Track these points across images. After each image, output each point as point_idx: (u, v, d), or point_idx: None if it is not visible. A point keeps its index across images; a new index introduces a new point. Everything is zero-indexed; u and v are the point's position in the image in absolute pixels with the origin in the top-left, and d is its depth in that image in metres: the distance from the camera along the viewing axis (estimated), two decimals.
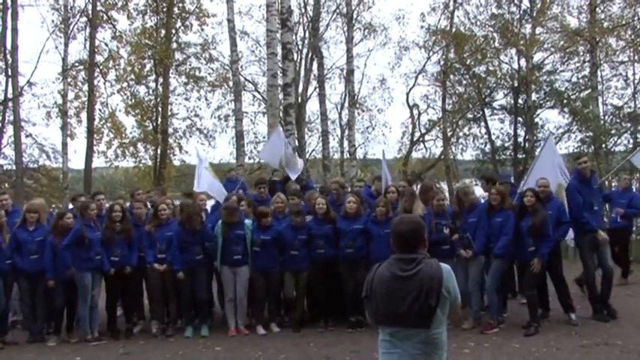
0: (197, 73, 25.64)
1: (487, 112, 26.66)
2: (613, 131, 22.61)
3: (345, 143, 26.43)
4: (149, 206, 10.03)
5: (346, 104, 26.33)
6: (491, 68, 26.05)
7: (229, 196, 10.17)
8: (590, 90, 23.28)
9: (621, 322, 8.74)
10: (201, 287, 9.21)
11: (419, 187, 9.86)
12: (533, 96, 25.06)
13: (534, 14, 24.60)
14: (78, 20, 24.15)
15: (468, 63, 26.30)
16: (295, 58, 24.02)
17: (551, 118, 24.82)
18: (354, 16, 26.11)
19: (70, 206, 10.84)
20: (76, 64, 24.49)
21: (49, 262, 8.88)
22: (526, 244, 8.37)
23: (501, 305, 9.07)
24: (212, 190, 11.16)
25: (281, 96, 16.43)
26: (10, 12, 21.35)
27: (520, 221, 8.45)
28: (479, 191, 10.77)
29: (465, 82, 27.32)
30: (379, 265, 3.67)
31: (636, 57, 24.26)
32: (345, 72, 25.83)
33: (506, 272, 9.14)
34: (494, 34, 25.58)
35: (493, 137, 25.99)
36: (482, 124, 26.76)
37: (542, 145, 11.20)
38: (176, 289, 9.27)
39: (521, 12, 25.20)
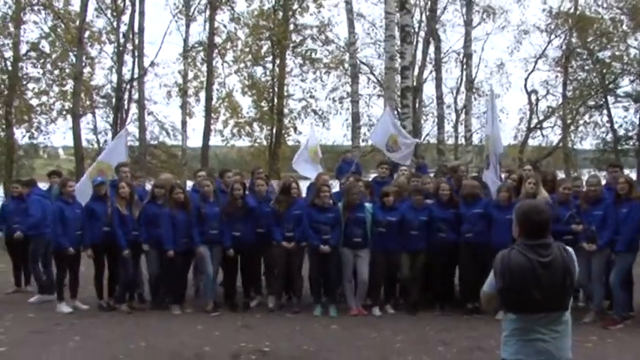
0: (313, 55, 25.88)
1: (610, 99, 25.68)
2: None
3: (460, 128, 26.07)
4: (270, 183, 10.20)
5: (462, 88, 25.92)
6: (617, 53, 24.94)
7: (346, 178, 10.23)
8: None
9: None
10: (332, 267, 9.24)
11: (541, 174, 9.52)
12: None
13: None
14: (199, 2, 24.85)
15: (591, 47, 25.28)
16: (412, 41, 23.82)
17: None
18: None
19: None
20: (196, 45, 25.25)
21: (168, 234, 9.18)
22: None
23: (627, 300, 8.67)
24: (303, 168, 11.31)
25: (398, 79, 16.30)
26: None
27: None
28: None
29: (587, 67, 26.30)
30: (507, 253, 3.55)
31: None
32: (462, 56, 25.39)
33: None
34: (623, 17, 24.44)
35: (616, 126, 25.06)
36: (605, 111, 25.78)
37: None
38: (300, 268, 9.44)
39: None
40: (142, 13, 21.97)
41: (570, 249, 3.59)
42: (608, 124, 26.12)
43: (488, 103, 10.88)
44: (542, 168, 19.81)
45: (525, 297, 3.46)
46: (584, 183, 9.35)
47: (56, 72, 24.20)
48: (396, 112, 16.30)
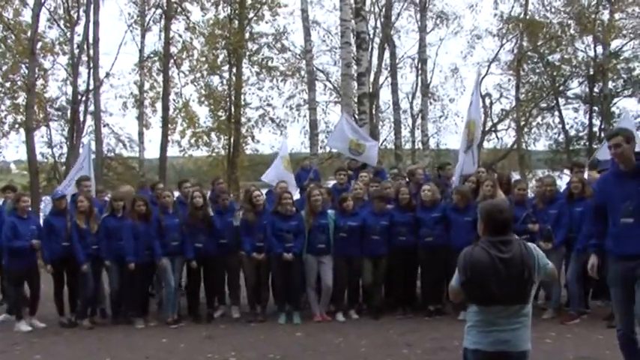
0: (269, 63, 25.97)
1: (561, 101, 26.24)
2: None
3: (417, 133, 26.35)
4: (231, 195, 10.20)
5: (418, 93, 26.23)
6: (566, 56, 25.55)
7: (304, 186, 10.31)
8: None
9: None
10: (296, 274, 9.24)
11: (496, 176, 9.73)
12: (610, 84, 24.43)
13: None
14: (154, 12, 24.77)
15: (542, 51, 25.83)
16: (368, 48, 24.05)
17: (629, 106, 24.13)
18: (426, 4, 25.91)
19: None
20: (152, 56, 25.17)
21: (130, 245, 9.11)
22: None
23: (582, 296, 8.89)
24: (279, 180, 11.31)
25: (355, 85, 16.45)
26: (92, 6, 21.97)
27: None
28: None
29: (538, 70, 26.87)
30: (470, 250, 3.84)
31: None
32: (417, 61, 25.70)
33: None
34: (570, 21, 25.04)
35: (567, 127, 25.61)
36: (556, 113, 26.35)
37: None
38: (268, 277, 9.52)
39: None
40: (96, 24, 21.76)
41: (532, 245, 3.88)
42: (559, 126, 26.67)
43: (474, 88, 11.13)
44: (498, 170, 20.11)
45: (485, 290, 3.74)
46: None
47: (7, 84, 23.77)
48: (352, 119, 16.42)
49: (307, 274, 9.22)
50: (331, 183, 12.34)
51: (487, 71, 27.60)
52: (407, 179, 10.54)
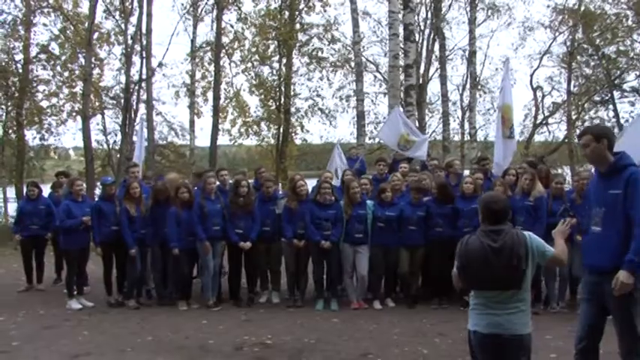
0: (319, 54, 26.11)
1: (616, 94, 25.70)
2: None
3: (466, 125, 26.20)
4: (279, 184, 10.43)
5: (468, 86, 26.06)
6: (622, 48, 25.00)
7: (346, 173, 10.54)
8: None
9: None
10: (333, 262, 9.48)
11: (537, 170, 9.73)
12: None
13: None
14: (206, 3, 25.12)
15: (596, 43, 25.35)
16: (417, 39, 23.99)
17: None
18: None
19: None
20: (204, 46, 25.55)
21: (173, 232, 9.45)
22: None
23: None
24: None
25: (402, 77, 16.47)
26: None
27: None
28: None
29: (592, 63, 26.37)
30: (468, 237, 4.19)
31: None
32: (467, 53, 25.54)
33: None
34: (628, 12, 24.50)
35: (622, 121, 25.00)
36: (611, 107, 25.81)
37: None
38: (306, 265, 9.71)
39: None
40: (149, 15, 22.21)
41: (528, 234, 4.17)
42: (614, 119, 26.14)
43: (505, 74, 11.30)
44: (548, 164, 19.88)
45: (478, 276, 4.07)
46: None
47: (66, 74, 24.49)
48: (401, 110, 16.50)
49: (344, 262, 9.43)
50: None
51: (539, 64, 27.30)
52: (445, 171, 10.59)
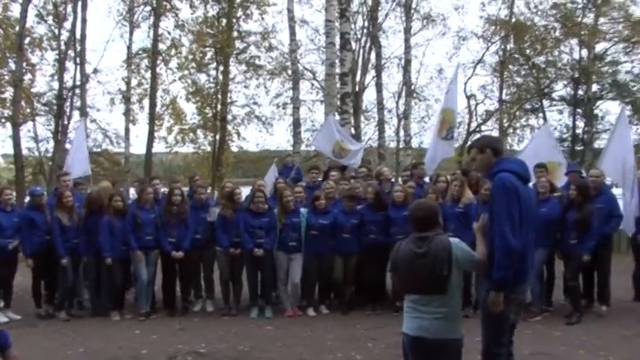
0: (257, 62, 26.12)
1: (546, 103, 26.48)
2: None
3: (402, 132, 26.57)
4: (208, 191, 10.42)
5: (403, 94, 26.44)
6: (551, 59, 25.78)
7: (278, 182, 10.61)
8: None
9: None
10: (267, 270, 9.53)
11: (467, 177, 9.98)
12: (594, 87, 24.71)
13: (598, 3, 24.19)
14: (143, 10, 24.87)
15: (527, 53, 26.09)
16: (354, 47, 24.28)
17: (612, 109, 24.46)
18: (413, 5, 26.16)
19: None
20: (140, 52, 25.25)
21: (106, 241, 9.31)
22: (570, 236, 8.48)
23: (543, 293, 9.14)
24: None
25: (338, 85, 16.68)
26: (80, 3, 22.09)
27: (565, 213, 8.53)
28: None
29: (523, 72, 27.12)
30: (400, 243, 4.37)
31: None
32: (402, 61, 25.93)
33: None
34: (555, 24, 25.29)
35: (551, 128, 25.71)
36: (541, 115, 26.58)
37: (616, 119, 11.16)
38: (241, 273, 9.72)
39: (584, 1, 24.81)
40: (84, 20, 21.89)
41: (455, 240, 4.25)
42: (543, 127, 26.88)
43: (452, 77, 11.72)
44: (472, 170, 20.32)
45: (406, 280, 4.26)
46: None
47: None
48: (337, 118, 16.67)
49: (278, 270, 9.50)
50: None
51: (472, 73, 27.89)
52: (377, 179, 10.76)
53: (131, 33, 24.86)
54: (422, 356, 4.29)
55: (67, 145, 23.30)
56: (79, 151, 12.59)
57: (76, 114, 24.03)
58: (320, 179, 11.05)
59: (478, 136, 27.14)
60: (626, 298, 9.88)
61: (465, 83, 28.20)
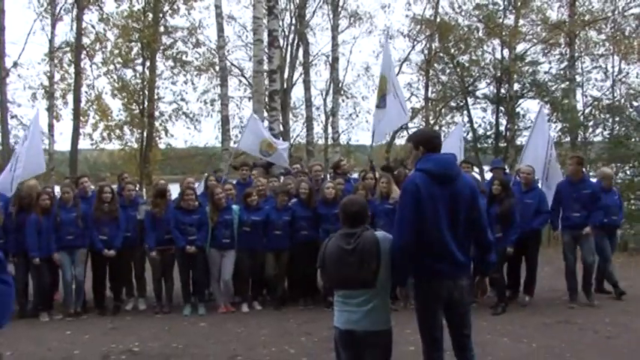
0: (184, 57, 25.86)
1: (470, 100, 27.05)
2: (590, 123, 23.00)
3: (329, 129, 26.81)
4: (137, 188, 10.35)
5: (331, 91, 26.68)
6: (474, 58, 26.39)
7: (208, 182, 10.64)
8: (568, 82, 23.69)
9: (581, 303, 9.31)
10: (199, 267, 9.56)
11: (395, 174, 10.21)
12: (515, 86, 25.42)
13: (518, 5, 24.95)
14: (65, 2, 24.23)
15: (452, 52, 26.66)
16: (281, 44, 24.33)
17: (532, 108, 25.24)
18: (340, 3, 26.42)
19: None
20: (63, 46, 24.60)
21: (33, 241, 9.16)
22: (493, 229, 8.80)
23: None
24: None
25: (266, 82, 16.74)
26: None
27: (489, 208, 8.87)
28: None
29: (448, 70, 27.68)
30: (329, 240, 4.49)
31: (616, 50, 24.65)
32: (330, 59, 26.16)
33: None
34: (478, 24, 25.95)
35: (475, 125, 26.38)
36: (465, 112, 27.17)
37: (536, 116, 11.59)
38: (172, 269, 9.76)
39: (505, 3, 25.54)
40: (1, 11, 21.24)
41: (380, 232, 4.51)
42: (468, 124, 27.54)
43: (385, 46, 11.88)
44: (409, 166, 20.70)
45: (335, 276, 4.38)
46: None
47: None
48: (265, 114, 16.75)
49: (211, 267, 9.55)
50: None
51: (399, 70, 28.30)
52: (308, 175, 10.91)
53: (53, 26, 24.14)
54: (353, 349, 4.42)
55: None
56: (34, 146, 11.91)
57: None
58: (250, 176, 11.11)
59: (412, 131, 27.68)
60: (547, 288, 10.34)
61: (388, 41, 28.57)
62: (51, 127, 23.82)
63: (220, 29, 20.58)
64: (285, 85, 25.31)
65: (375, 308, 4.35)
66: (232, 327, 8.55)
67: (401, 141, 29.52)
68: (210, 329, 8.52)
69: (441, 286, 4.61)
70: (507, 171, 12.19)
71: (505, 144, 25.15)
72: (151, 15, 24.77)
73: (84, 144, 25.13)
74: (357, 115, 29.21)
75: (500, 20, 25.46)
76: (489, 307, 9.00)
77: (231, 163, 12.90)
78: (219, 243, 9.44)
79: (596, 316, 8.62)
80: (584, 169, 9.66)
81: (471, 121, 26.65)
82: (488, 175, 11.40)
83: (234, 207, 9.64)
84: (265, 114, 16.64)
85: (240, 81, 28.10)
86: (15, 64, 23.64)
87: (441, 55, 27.48)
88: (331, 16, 25.85)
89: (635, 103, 21.76)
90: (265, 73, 16.66)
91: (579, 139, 22.65)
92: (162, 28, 25.21)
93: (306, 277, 9.64)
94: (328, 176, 11.50)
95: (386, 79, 11.14)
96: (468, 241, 4.74)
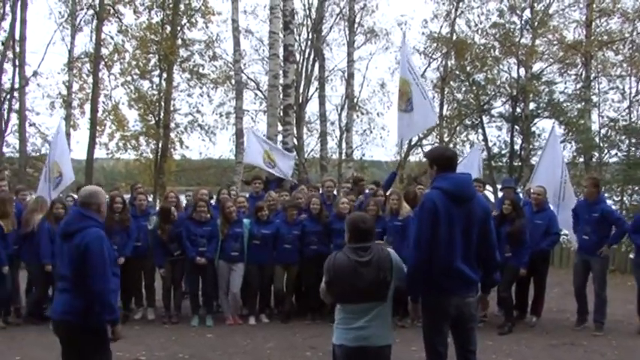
0: (200, 70, 26.10)
1: (485, 119, 27.02)
2: (605, 144, 22.87)
3: (344, 144, 26.86)
4: (149, 198, 10.43)
5: (346, 106, 26.75)
6: (490, 76, 26.38)
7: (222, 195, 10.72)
8: (584, 102, 23.61)
9: (591, 325, 9.15)
10: (209, 279, 9.62)
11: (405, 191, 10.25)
12: (531, 105, 25.38)
13: (535, 25, 24.96)
14: (85, 13, 24.57)
15: (467, 70, 26.67)
16: (297, 59, 24.48)
17: (547, 127, 25.17)
18: (357, 20, 26.54)
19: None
20: (82, 56, 24.99)
21: (46, 248, 9.24)
22: (503, 249, 8.80)
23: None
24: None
25: (281, 96, 16.83)
26: (19, 3, 21.73)
27: (499, 227, 8.85)
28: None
29: (464, 88, 27.68)
30: (335, 254, 4.51)
31: (633, 71, 24.55)
32: (345, 74, 26.25)
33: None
34: (495, 43, 25.96)
35: (490, 144, 26.35)
36: (480, 130, 27.15)
37: (548, 136, 11.64)
38: (181, 280, 9.84)
39: (522, 22, 25.57)
40: (23, 21, 21.55)
41: (391, 251, 4.56)
42: (483, 143, 27.51)
43: (403, 48, 11.88)
44: (422, 183, 20.71)
45: (345, 290, 4.34)
46: None
47: None
48: (279, 128, 16.83)
49: (219, 279, 9.59)
50: None
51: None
52: (320, 190, 10.97)
53: (73, 36, 24.56)
54: None
55: (5, 149, 22.90)
56: (65, 156, 12.26)
57: (14, 117, 23.61)
58: (263, 189, 11.18)
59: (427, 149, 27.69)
60: (555, 309, 10.31)
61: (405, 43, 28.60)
62: (68, 135, 24.03)
63: (237, 43, 20.71)
64: (300, 100, 25.44)
65: (384, 323, 4.43)
66: (239, 339, 8.59)
67: (415, 157, 29.59)
68: (216, 340, 8.57)
69: (450, 302, 4.69)
70: (518, 191, 12.18)
71: (520, 163, 25.06)
72: (169, 28, 25.06)
73: (100, 153, 25.45)
74: (372, 131, 29.33)
75: (517, 39, 25.45)
76: (496, 327, 8.98)
77: (243, 179, 13.01)
78: (228, 256, 9.49)
79: (603, 339, 8.58)
80: (599, 191, 9.53)
81: (485, 139, 26.63)
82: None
83: (245, 220, 9.70)
84: (280, 128, 16.68)
85: (256, 94, 28.37)
86: (35, 74, 23.99)
87: (457, 72, 27.49)
88: (347, 32, 25.96)
89: None
90: (280, 88, 16.72)
91: (594, 160, 22.50)
92: (179, 41, 25.46)
93: (314, 292, 9.63)
94: (342, 192, 11.50)
95: (408, 82, 11.04)
96: (476, 259, 4.82)
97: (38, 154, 25.93)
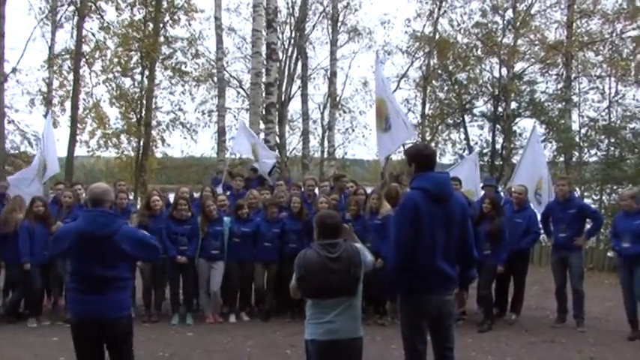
0: (183, 68, 25.97)
1: (467, 118, 27.13)
2: (585, 144, 23.01)
3: (326, 143, 26.89)
4: (130, 197, 10.37)
5: (328, 105, 26.79)
6: (472, 75, 26.49)
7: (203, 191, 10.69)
8: (564, 102, 23.77)
9: (570, 324, 9.28)
10: (189, 277, 9.59)
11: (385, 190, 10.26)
12: (512, 105, 25.50)
13: (517, 25, 25.10)
14: (66, 9, 24.36)
15: (450, 69, 26.78)
16: (280, 57, 24.45)
17: (529, 126, 25.29)
18: (340, 18, 26.57)
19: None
20: (63, 53, 24.70)
21: (25, 247, 9.17)
22: (482, 247, 8.85)
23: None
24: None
25: (263, 95, 16.82)
26: None
27: (479, 225, 8.90)
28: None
29: (446, 87, 27.77)
30: (305, 251, 4.58)
31: (613, 71, 24.75)
32: (328, 73, 26.28)
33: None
34: (477, 43, 26.09)
35: (472, 143, 26.46)
36: (462, 129, 27.25)
37: (529, 136, 11.73)
38: (162, 279, 9.78)
39: (504, 22, 25.71)
40: (1, 17, 21.32)
41: (358, 245, 4.67)
42: (464, 142, 27.63)
43: (376, 68, 11.89)
44: (404, 182, 20.76)
45: (316, 286, 4.41)
46: None
47: None
48: (262, 126, 16.80)
49: (200, 277, 9.56)
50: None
51: (397, 86, 28.42)
52: (301, 188, 10.96)
53: (53, 33, 24.30)
54: (333, 359, 4.49)
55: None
56: (51, 148, 12.25)
57: None
58: (244, 187, 11.16)
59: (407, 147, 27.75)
60: (534, 307, 10.44)
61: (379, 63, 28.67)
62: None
63: (219, 41, 20.69)
64: (282, 98, 25.43)
65: (353, 316, 4.52)
66: (219, 337, 8.58)
67: (397, 156, 29.64)
68: (197, 339, 8.55)
69: (430, 301, 4.73)
70: (499, 189, 12.24)
71: (501, 162, 25.19)
72: (151, 25, 24.89)
73: (80, 151, 25.21)
74: (354, 130, 29.36)
75: (499, 39, 25.58)
76: (476, 325, 9.04)
77: (228, 169, 12.98)
78: (208, 254, 9.47)
79: (581, 337, 8.67)
80: (571, 190, 9.66)
81: (467, 138, 26.76)
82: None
83: (226, 219, 9.68)
84: (262, 126, 16.67)
85: (239, 92, 28.32)
86: (14, 70, 23.74)
87: (440, 72, 27.59)
88: (330, 30, 25.99)
89: (630, 125, 21.81)
90: (263, 86, 16.71)
91: (574, 159, 22.66)
92: (162, 38, 25.31)
93: None
94: (320, 191, 11.47)
95: (384, 101, 11.13)
96: (455, 256, 4.86)
97: (17, 151, 25.71)
